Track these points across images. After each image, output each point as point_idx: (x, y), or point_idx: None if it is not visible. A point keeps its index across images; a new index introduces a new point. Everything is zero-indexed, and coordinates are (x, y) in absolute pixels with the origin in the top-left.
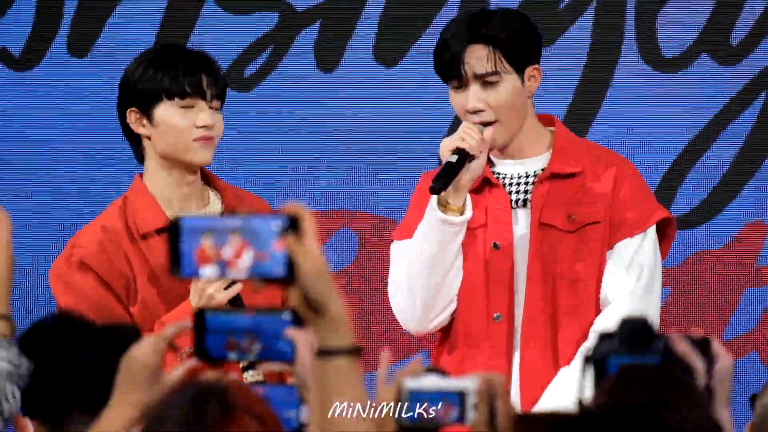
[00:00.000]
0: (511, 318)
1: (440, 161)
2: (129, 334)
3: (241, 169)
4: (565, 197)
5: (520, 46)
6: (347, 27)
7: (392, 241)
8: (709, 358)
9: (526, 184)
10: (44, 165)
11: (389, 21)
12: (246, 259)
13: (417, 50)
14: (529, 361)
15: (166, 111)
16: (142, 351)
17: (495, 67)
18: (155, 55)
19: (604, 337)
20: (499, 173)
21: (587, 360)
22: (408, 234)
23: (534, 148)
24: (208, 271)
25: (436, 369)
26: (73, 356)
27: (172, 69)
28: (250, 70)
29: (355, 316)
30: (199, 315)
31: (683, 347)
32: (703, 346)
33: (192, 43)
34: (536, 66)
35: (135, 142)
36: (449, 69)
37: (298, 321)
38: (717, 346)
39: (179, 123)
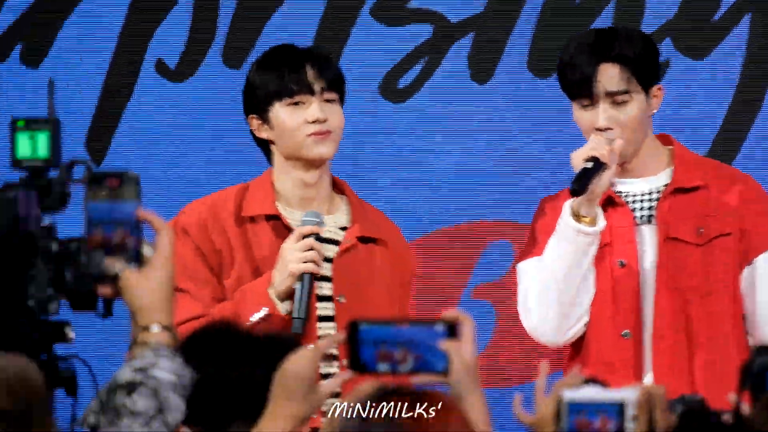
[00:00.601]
0: (640, 335)
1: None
2: (290, 345)
3: (397, 176)
4: (692, 211)
5: (647, 65)
6: (501, 38)
7: (516, 264)
8: None
9: (650, 200)
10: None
11: (543, 32)
12: (411, 360)
13: None
14: (662, 378)
15: (279, 112)
16: (298, 363)
17: (627, 86)
18: (263, 58)
19: (761, 351)
20: (621, 192)
21: (745, 373)
22: (533, 254)
23: (655, 166)
24: (382, 367)
25: (595, 380)
26: (236, 366)
27: (276, 70)
28: (405, 81)
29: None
30: (353, 326)
31: None
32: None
33: (346, 53)
34: (659, 85)
35: (263, 146)
36: (579, 88)
37: (452, 332)
38: None
39: (290, 122)
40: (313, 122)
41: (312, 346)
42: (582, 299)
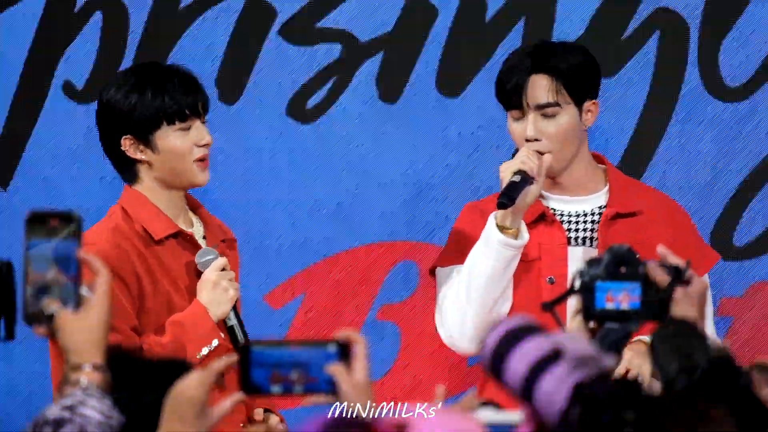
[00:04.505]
0: None
1: (501, 185)
2: (182, 368)
3: (304, 197)
4: (628, 237)
5: (581, 79)
6: (410, 57)
7: (434, 268)
8: (684, 281)
9: (586, 222)
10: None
11: (451, 52)
12: (303, 382)
13: (479, 81)
14: None
15: (167, 136)
16: (189, 385)
17: (556, 98)
18: (139, 78)
19: (591, 263)
20: (554, 209)
21: (573, 284)
22: (453, 260)
23: (591, 186)
24: (275, 388)
25: (490, 402)
26: (128, 390)
27: (166, 93)
28: (313, 101)
29: (418, 342)
30: (245, 349)
31: (660, 273)
32: (677, 271)
33: (255, 73)
34: (595, 101)
35: (126, 164)
36: (511, 98)
37: (344, 353)
38: (690, 272)
39: (181, 146)
40: (203, 146)
41: (201, 369)
42: (499, 310)
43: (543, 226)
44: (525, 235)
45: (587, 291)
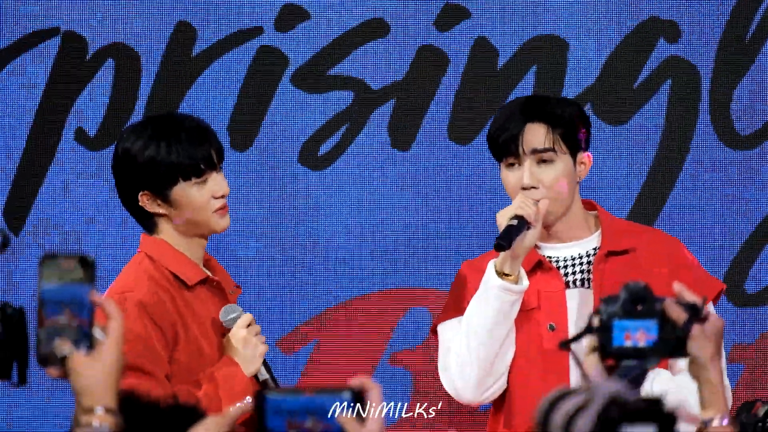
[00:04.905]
0: None
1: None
2: (195, 415)
3: (316, 244)
4: (625, 274)
5: (576, 129)
6: (422, 105)
7: (435, 326)
8: (701, 319)
9: (581, 264)
10: None
11: (463, 100)
12: (320, 429)
13: None
14: None
15: (183, 191)
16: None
17: (552, 144)
18: (154, 132)
19: (608, 301)
20: (550, 257)
21: (591, 323)
22: (454, 315)
23: (583, 231)
24: None
25: None
26: None
27: (181, 148)
28: (325, 148)
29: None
30: (260, 396)
31: (677, 311)
32: (694, 309)
33: (267, 120)
34: (588, 153)
35: (144, 216)
36: (506, 146)
37: (358, 401)
38: (708, 309)
39: (198, 200)
40: (220, 197)
41: (219, 415)
42: (502, 358)
43: (540, 274)
44: (525, 281)
45: (605, 329)
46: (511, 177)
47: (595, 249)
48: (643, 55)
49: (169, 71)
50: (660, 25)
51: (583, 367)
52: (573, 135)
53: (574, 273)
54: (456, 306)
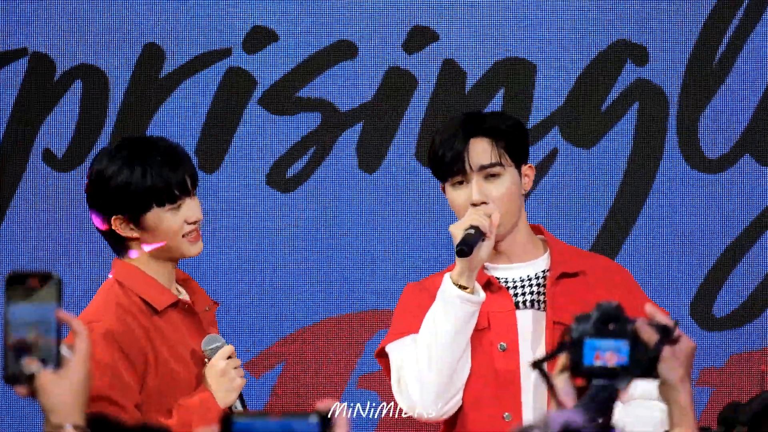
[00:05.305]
0: (520, 417)
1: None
2: None
3: (285, 265)
4: (577, 296)
5: (518, 140)
6: (390, 127)
7: (382, 349)
8: (672, 340)
9: (530, 285)
10: None
11: (431, 122)
12: None
13: None
14: None
15: (157, 216)
16: None
17: (499, 158)
18: (128, 157)
19: (579, 320)
20: (499, 277)
21: (563, 341)
22: (404, 333)
23: (531, 252)
24: None
25: None
26: None
27: (155, 173)
28: (293, 170)
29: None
30: (227, 420)
31: (648, 332)
32: (666, 330)
33: (235, 142)
34: (531, 165)
35: (116, 240)
36: (452, 165)
37: (326, 424)
38: (679, 331)
39: (171, 226)
40: (193, 222)
41: None
42: (462, 369)
43: (489, 294)
44: (482, 293)
45: (576, 347)
46: (458, 196)
47: (544, 271)
48: (610, 78)
49: (137, 92)
50: (628, 48)
51: (554, 387)
52: (516, 147)
53: (524, 294)
54: (404, 326)
